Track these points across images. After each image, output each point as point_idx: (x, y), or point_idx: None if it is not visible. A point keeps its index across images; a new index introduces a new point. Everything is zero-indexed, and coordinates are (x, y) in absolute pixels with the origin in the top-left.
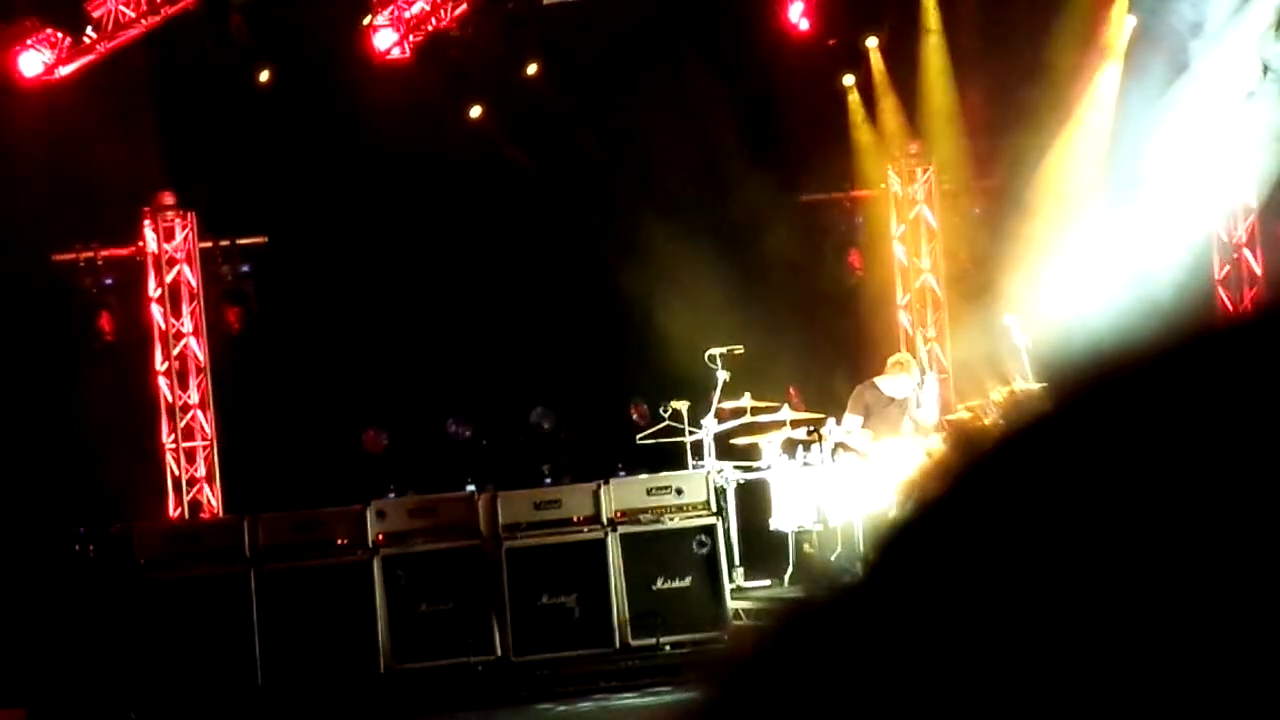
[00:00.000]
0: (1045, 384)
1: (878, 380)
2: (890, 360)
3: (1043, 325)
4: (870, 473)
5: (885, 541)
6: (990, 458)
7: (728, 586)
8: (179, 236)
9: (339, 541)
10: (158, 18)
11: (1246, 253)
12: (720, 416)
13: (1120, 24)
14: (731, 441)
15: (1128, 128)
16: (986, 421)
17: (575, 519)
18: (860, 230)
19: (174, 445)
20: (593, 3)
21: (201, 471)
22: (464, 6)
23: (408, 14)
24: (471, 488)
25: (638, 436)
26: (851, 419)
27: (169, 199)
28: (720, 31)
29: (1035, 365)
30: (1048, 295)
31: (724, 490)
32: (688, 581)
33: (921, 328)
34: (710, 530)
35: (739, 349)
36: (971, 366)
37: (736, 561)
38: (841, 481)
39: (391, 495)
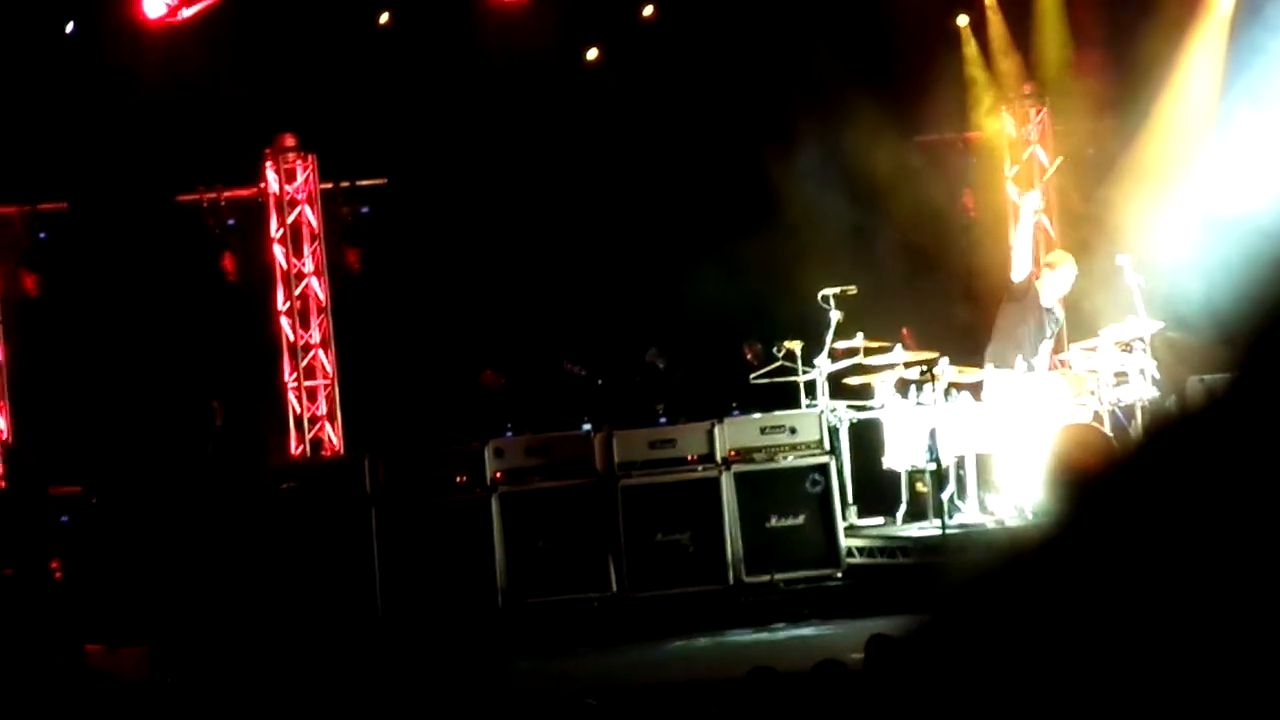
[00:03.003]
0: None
1: (1040, 288)
2: (1048, 256)
3: (1156, 265)
4: (983, 412)
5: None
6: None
7: (840, 525)
8: (300, 178)
9: (458, 479)
10: None
11: None
12: (834, 356)
13: None
14: (844, 381)
15: (1240, 65)
16: (1097, 433)
17: (690, 458)
18: (974, 170)
19: (296, 384)
20: None
21: (323, 409)
22: None
23: None
24: (587, 426)
25: (751, 376)
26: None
27: (290, 141)
28: None
29: (1149, 305)
30: (1161, 235)
31: (837, 430)
32: (801, 520)
33: (1034, 268)
34: (823, 469)
35: (852, 289)
36: (1085, 308)
37: (849, 500)
38: (954, 421)
39: (509, 434)
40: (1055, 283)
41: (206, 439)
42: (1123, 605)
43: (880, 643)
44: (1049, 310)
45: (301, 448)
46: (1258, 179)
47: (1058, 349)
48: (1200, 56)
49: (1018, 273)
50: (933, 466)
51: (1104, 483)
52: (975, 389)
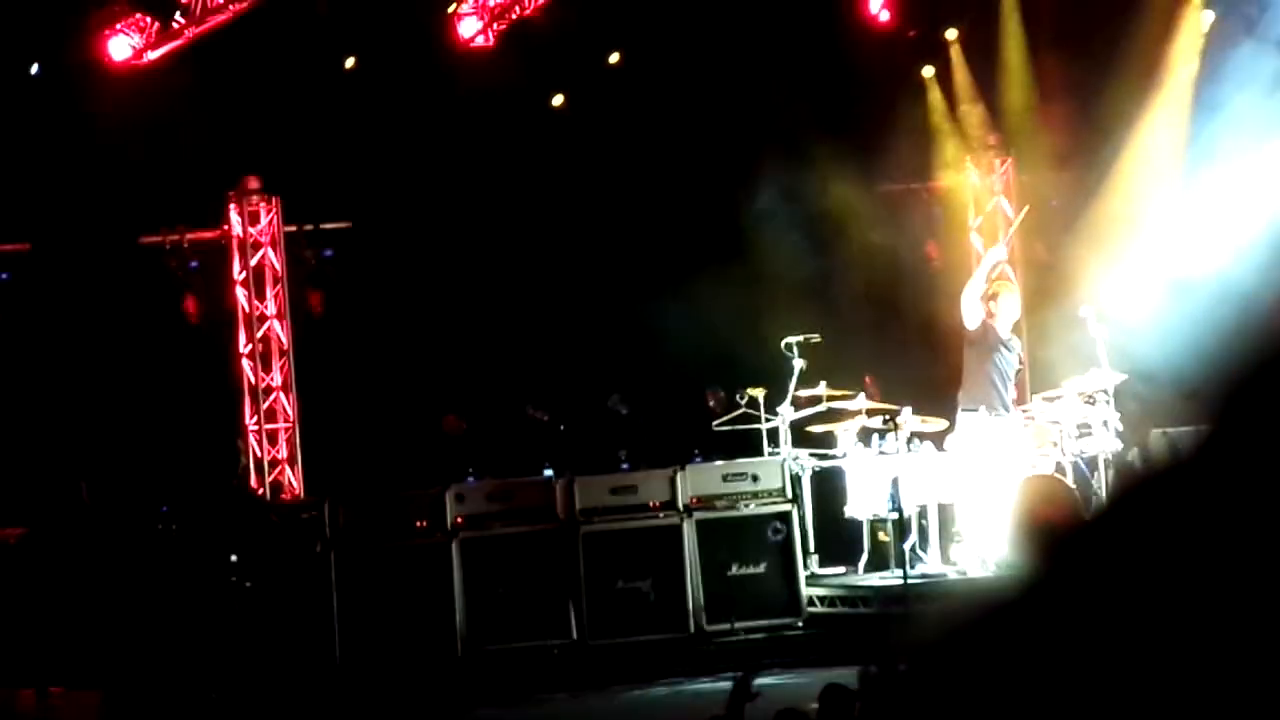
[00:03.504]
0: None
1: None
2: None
3: (1119, 317)
4: (945, 462)
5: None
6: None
7: (802, 573)
8: (264, 220)
9: (418, 524)
10: (246, 3)
11: None
12: (797, 404)
13: (1198, 18)
14: (807, 429)
15: (1204, 118)
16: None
17: (651, 504)
18: (938, 221)
19: (256, 427)
20: None
21: (284, 453)
22: None
23: (492, 2)
24: (549, 472)
25: (714, 423)
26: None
27: (254, 183)
28: (802, 22)
29: (1111, 357)
30: (1124, 288)
31: (799, 478)
32: (762, 568)
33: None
34: (785, 517)
35: (816, 337)
36: (1048, 358)
37: (811, 549)
38: (916, 470)
39: (471, 479)
40: (1005, 310)
41: (168, 521)
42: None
43: (835, 692)
44: (1008, 341)
45: (261, 491)
46: (1218, 237)
47: (1020, 400)
48: (1164, 112)
49: (970, 321)
50: (895, 516)
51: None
52: (938, 438)
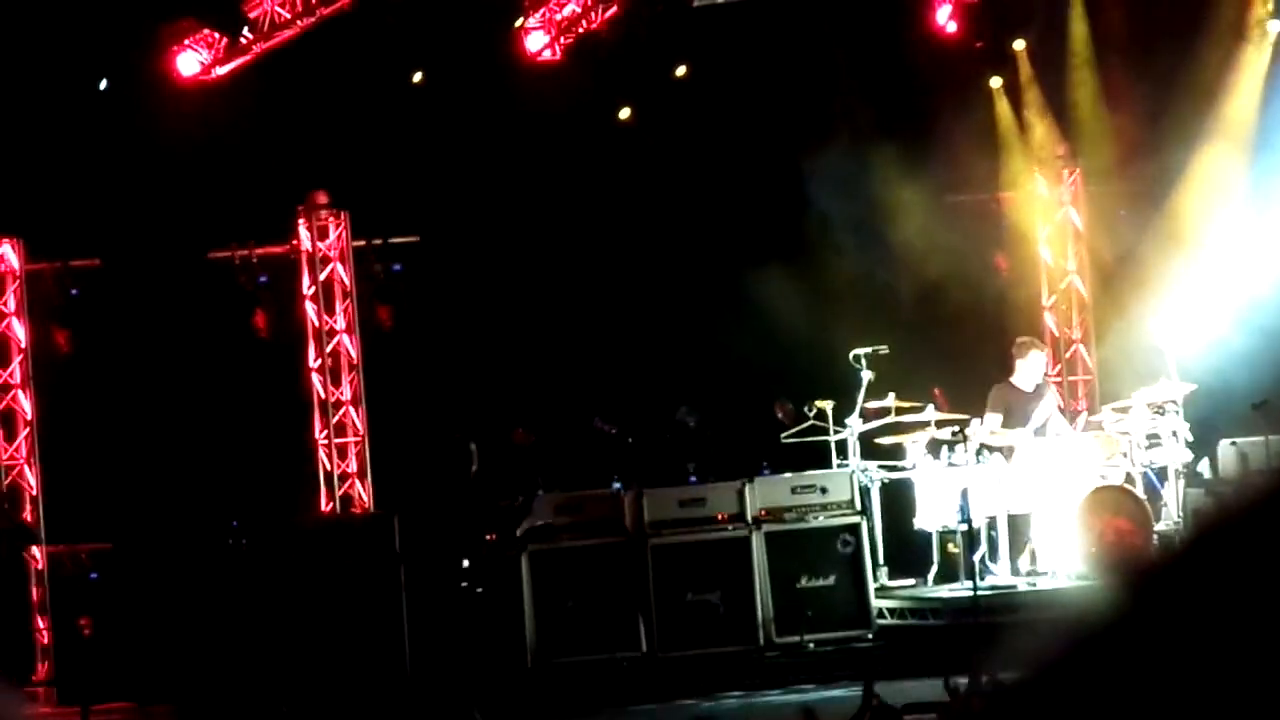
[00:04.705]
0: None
1: (1013, 379)
2: (1016, 343)
3: (1187, 327)
4: (1014, 473)
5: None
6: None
7: (871, 585)
8: (332, 235)
9: (487, 537)
10: (313, 18)
11: None
12: (865, 416)
13: (1266, 27)
14: (876, 441)
15: (1273, 133)
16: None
17: (720, 517)
18: (1006, 231)
19: (326, 441)
20: (742, 5)
21: (353, 467)
22: (614, 9)
23: (559, 16)
24: (618, 485)
25: (783, 435)
26: (991, 417)
27: (323, 198)
28: (869, 33)
29: (1180, 368)
30: (1192, 297)
31: (868, 490)
32: (831, 580)
33: (1067, 329)
34: (854, 529)
35: (884, 349)
36: (1117, 368)
37: (880, 560)
38: (986, 482)
39: (539, 492)
40: (1029, 370)
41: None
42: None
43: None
44: (1034, 393)
45: (331, 505)
46: None
47: (1089, 410)
48: (1231, 124)
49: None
50: (964, 527)
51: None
52: (1007, 450)
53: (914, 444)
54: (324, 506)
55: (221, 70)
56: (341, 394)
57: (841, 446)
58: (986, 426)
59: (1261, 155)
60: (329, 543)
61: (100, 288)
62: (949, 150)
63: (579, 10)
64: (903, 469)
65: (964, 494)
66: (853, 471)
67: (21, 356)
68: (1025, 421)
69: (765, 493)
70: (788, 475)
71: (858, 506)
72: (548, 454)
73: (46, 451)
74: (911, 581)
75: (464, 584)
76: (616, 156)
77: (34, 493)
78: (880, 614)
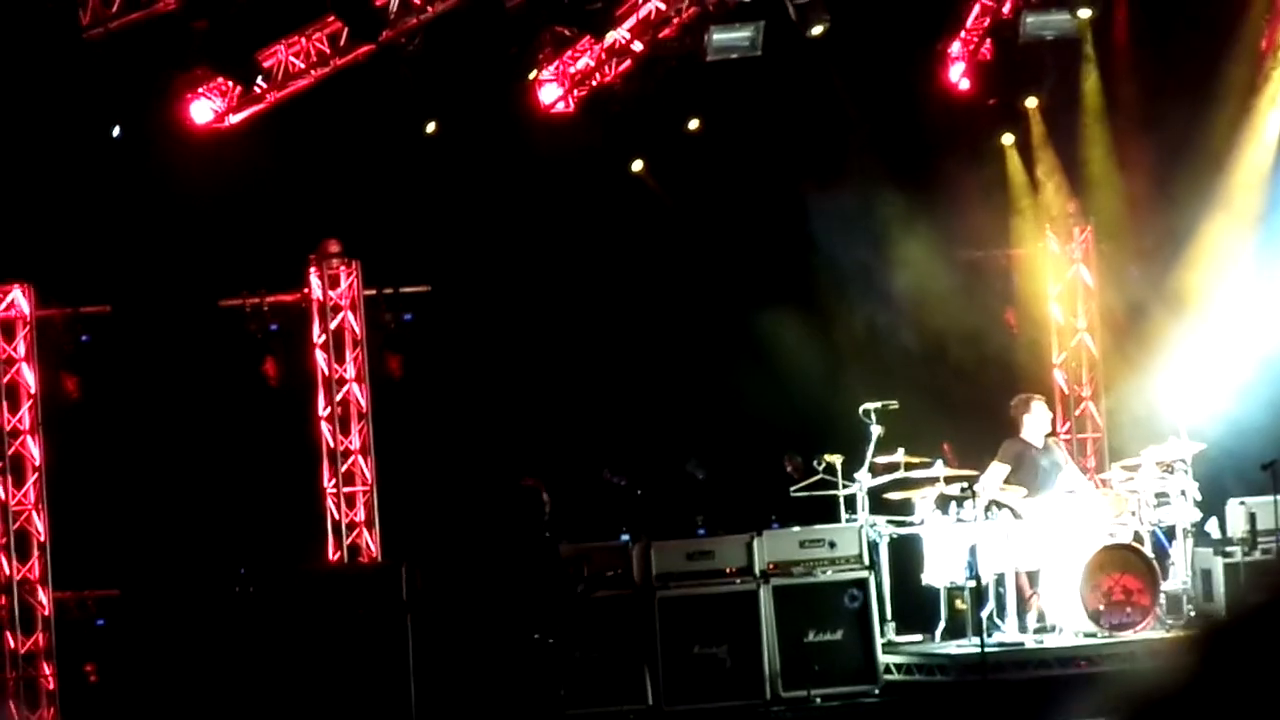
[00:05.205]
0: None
1: (1024, 434)
2: (1015, 402)
3: (1198, 387)
4: (1022, 530)
5: None
6: None
7: (879, 641)
8: (344, 284)
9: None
10: (327, 69)
11: None
12: (874, 471)
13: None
14: (885, 496)
15: None
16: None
17: (728, 570)
18: (1017, 288)
19: (334, 490)
20: (755, 60)
21: (361, 516)
22: (628, 62)
23: (573, 69)
24: (626, 537)
25: (791, 489)
26: (998, 468)
27: (334, 247)
28: (882, 90)
29: (1189, 427)
30: (1202, 356)
31: (876, 545)
32: (839, 635)
33: (1077, 386)
34: (862, 584)
35: (893, 404)
36: (1126, 426)
37: (888, 616)
38: (994, 538)
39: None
40: (1034, 425)
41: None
42: None
43: None
44: (1044, 449)
45: (339, 554)
46: None
47: (1098, 468)
48: (1243, 183)
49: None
50: (972, 584)
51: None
52: (1016, 506)
53: (923, 499)
54: (331, 555)
55: (235, 119)
56: (350, 443)
57: (850, 501)
58: (992, 476)
59: (1272, 214)
60: (336, 592)
61: (110, 334)
62: (960, 206)
63: (592, 64)
64: (911, 524)
65: (972, 550)
66: (861, 526)
67: (31, 402)
68: (1034, 476)
69: (773, 546)
70: (796, 529)
71: (866, 561)
72: (556, 505)
73: (55, 497)
74: (919, 637)
75: (536, 635)
76: (628, 209)
77: (42, 539)
78: (887, 669)
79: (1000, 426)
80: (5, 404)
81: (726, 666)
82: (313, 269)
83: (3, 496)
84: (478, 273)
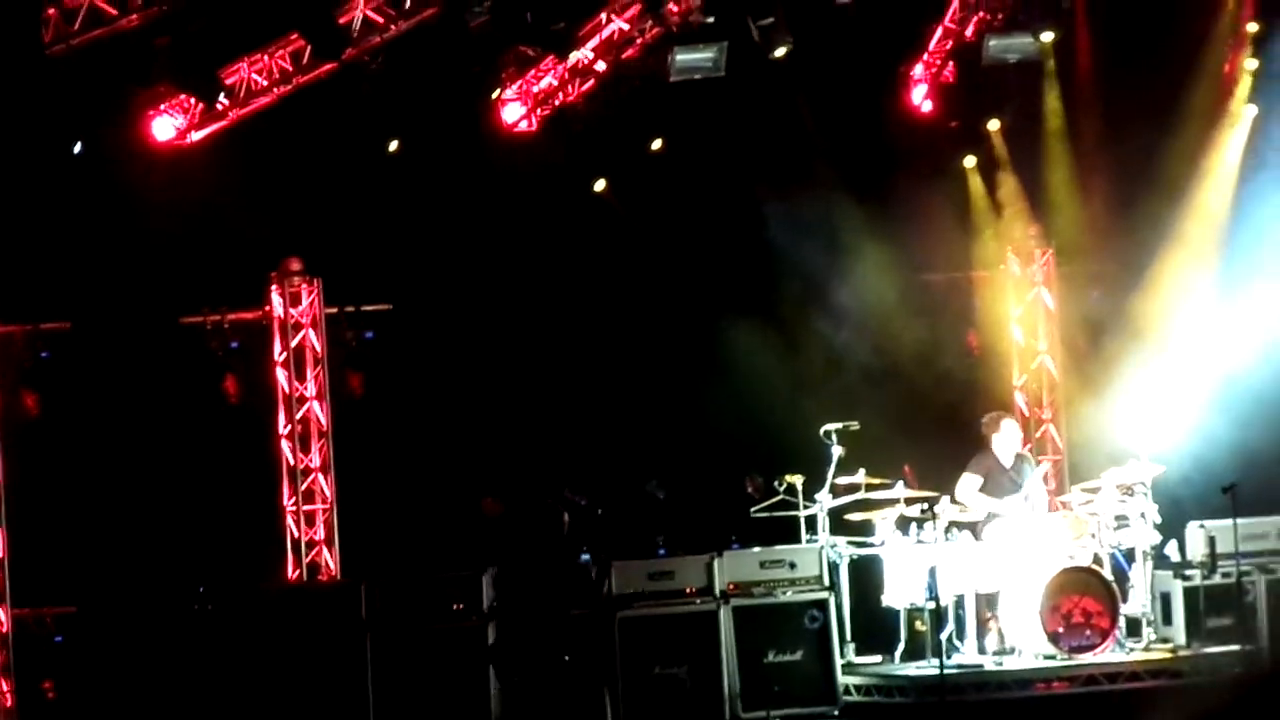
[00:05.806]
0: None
1: (994, 450)
2: (985, 420)
3: (1158, 410)
4: (982, 551)
5: None
6: None
7: (838, 661)
8: (305, 302)
9: (454, 607)
10: (290, 86)
11: None
12: (835, 492)
13: (1241, 113)
14: (845, 517)
15: (1246, 217)
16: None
17: (688, 590)
18: (978, 310)
19: (294, 508)
20: (717, 80)
21: (321, 534)
22: (591, 82)
23: (536, 89)
24: (586, 557)
25: (752, 510)
26: (970, 478)
27: (296, 265)
28: (844, 112)
29: (1149, 450)
30: (1162, 380)
31: (836, 565)
32: (799, 655)
33: (1037, 409)
34: (822, 605)
35: (854, 425)
36: (1086, 449)
37: (848, 637)
38: (954, 560)
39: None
40: (1003, 443)
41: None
42: None
43: None
44: (1013, 467)
45: (298, 572)
46: (1254, 335)
47: (1059, 490)
48: (1206, 207)
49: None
50: (932, 605)
51: None
52: (975, 527)
53: (883, 520)
54: (291, 573)
55: (197, 136)
56: (311, 461)
57: (811, 522)
58: (965, 486)
59: (1233, 239)
60: (295, 610)
61: (70, 351)
62: (922, 228)
63: (555, 84)
64: (871, 545)
65: (932, 572)
66: (821, 547)
67: None
68: (1000, 494)
69: (734, 567)
70: (756, 550)
71: (826, 582)
72: (516, 524)
73: (13, 514)
74: (878, 659)
75: (556, 651)
76: (590, 229)
77: (0, 555)
78: (847, 690)
79: (961, 448)
80: None
81: (686, 687)
82: (274, 286)
83: None
84: (440, 291)
